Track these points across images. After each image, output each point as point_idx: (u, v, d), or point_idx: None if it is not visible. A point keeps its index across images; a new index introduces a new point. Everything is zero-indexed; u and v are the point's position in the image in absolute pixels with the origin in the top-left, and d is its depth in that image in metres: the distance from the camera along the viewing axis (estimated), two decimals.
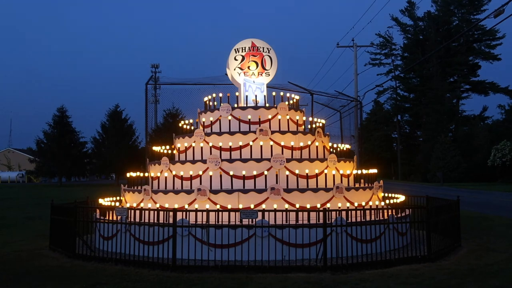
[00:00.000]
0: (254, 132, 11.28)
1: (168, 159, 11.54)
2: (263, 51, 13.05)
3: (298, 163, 10.81)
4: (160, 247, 8.81)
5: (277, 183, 10.39)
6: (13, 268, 8.92)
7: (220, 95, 12.69)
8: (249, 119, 11.78)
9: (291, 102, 13.28)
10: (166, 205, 10.06)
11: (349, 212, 9.21)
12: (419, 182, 53.41)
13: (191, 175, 10.79)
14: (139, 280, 7.91)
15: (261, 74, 12.98)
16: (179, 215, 8.87)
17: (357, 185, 11.81)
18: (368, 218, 9.55)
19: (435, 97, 58.05)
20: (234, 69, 12.98)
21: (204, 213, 8.94)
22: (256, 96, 12.68)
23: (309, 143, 11.75)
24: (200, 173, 10.67)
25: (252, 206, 9.64)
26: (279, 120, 11.90)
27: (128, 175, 12.29)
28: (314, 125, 12.62)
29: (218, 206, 9.70)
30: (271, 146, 11.14)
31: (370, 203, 10.74)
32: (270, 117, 11.94)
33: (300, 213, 9.21)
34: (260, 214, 8.70)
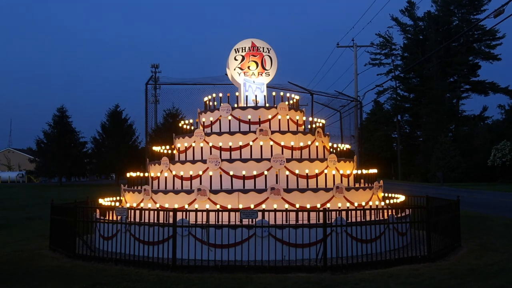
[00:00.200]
0: (254, 132, 11.28)
1: (168, 159, 11.54)
2: (263, 51, 13.05)
3: (298, 163, 10.82)
4: (160, 247, 8.81)
5: (277, 183, 10.39)
6: (13, 268, 8.92)
7: (220, 95, 12.69)
8: (249, 119, 11.78)
9: (291, 102, 13.28)
10: (166, 205, 10.06)
11: (349, 212, 9.21)
12: (419, 182, 53.42)
13: (191, 175, 10.79)
14: (139, 280, 7.91)
15: (261, 74, 12.98)
16: (179, 215, 8.87)
17: (357, 185, 11.81)
18: (368, 218, 9.55)
19: (435, 97, 58.09)
20: (234, 69, 12.98)
21: (204, 213, 8.94)
22: (256, 96, 12.69)
23: (309, 143, 11.75)
24: (200, 173, 10.68)
25: (252, 206, 9.64)
26: (279, 120, 11.90)
27: (128, 175, 12.29)
28: (314, 125, 12.62)
29: (218, 206, 9.70)
30: (271, 146, 11.14)
31: (370, 203, 10.74)
32: (270, 117, 11.94)
33: (300, 213, 9.21)
34: (260, 214, 8.70)
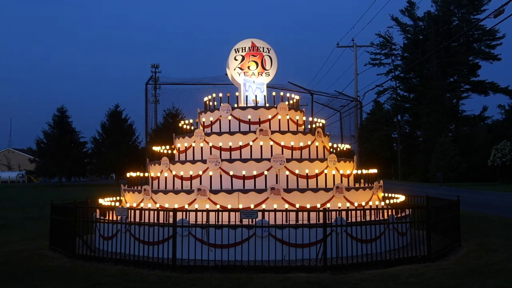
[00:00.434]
0: (254, 132, 11.28)
1: (168, 159, 11.54)
2: (263, 51, 13.05)
3: (298, 163, 10.82)
4: (160, 247, 8.81)
5: (277, 183, 10.39)
6: (13, 268, 8.93)
7: (220, 95, 12.69)
8: (249, 119, 11.78)
9: (291, 102, 13.28)
10: (166, 205, 10.06)
11: (349, 212, 9.21)
12: (419, 182, 53.42)
13: (191, 175, 10.79)
14: (139, 280, 7.91)
15: (261, 74, 12.98)
16: (179, 215, 8.87)
17: (357, 185, 11.81)
18: (368, 218, 9.55)
19: (435, 97, 58.10)
20: (234, 69, 12.98)
21: (204, 213, 8.94)
22: (256, 96, 12.69)
23: (309, 143, 11.75)
24: (200, 173, 10.68)
25: (252, 206, 9.64)
26: (279, 120, 11.90)
27: (128, 175, 12.29)
28: (314, 125, 12.62)
29: (218, 206, 9.70)
30: (271, 146, 11.14)
31: (370, 203, 10.74)
32: (270, 117, 11.94)
33: (300, 213, 9.21)
34: (260, 214, 8.70)
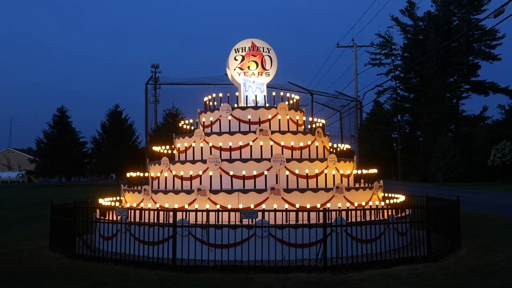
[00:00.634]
0: (254, 132, 11.28)
1: (168, 159, 11.54)
2: (263, 51, 13.05)
3: (298, 163, 10.82)
4: (160, 247, 8.81)
5: (277, 183, 10.39)
6: (13, 268, 8.93)
7: (220, 95, 12.69)
8: (249, 119, 11.78)
9: (291, 102, 13.28)
10: (166, 205, 10.06)
11: (349, 212, 9.21)
12: (419, 182, 53.42)
13: (191, 175, 10.79)
14: (139, 280, 7.91)
15: (261, 74, 12.99)
16: (179, 215, 8.87)
17: (357, 185, 11.81)
18: (368, 218, 9.55)
19: (435, 97, 58.09)
20: (234, 69, 12.98)
21: (204, 213, 8.94)
22: (256, 96, 12.69)
23: (309, 143, 11.75)
24: (200, 173, 10.68)
25: (252, 206, 9.64)
26: (279, 120, 11.90)
27: (128, 175, 12.29)
28: (314, 125, 12.62)
29: (218, 206, 9.70)
30: (271, 146, 11.14)
31: (370, 203, 10.74)
32: (270, 117, 11.94)
33: (300, 213, 9.21)
34: (260, 214, 8.70)
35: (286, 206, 9.74)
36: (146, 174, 12.09)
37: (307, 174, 10.65)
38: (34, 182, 72.23)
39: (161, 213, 9.33)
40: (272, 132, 11.35)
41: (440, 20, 63.45)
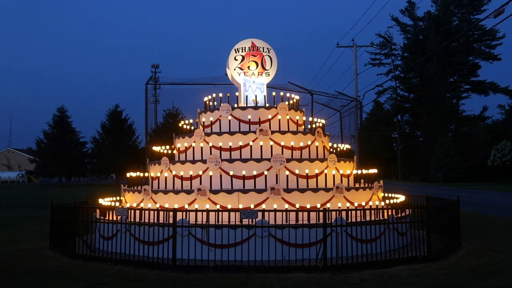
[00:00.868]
0: (254, 132, 11.28)
1: (168, 159, 11.54)
2: (263, 51, 13.06)
3: (298, 163, 10.82)
4: (160, 247, 8.81)
5: (277, 183, 10.39)
6: (13, 268, 8.92)
7: (220, 95, 12.69)
8: (249, 119, 11.78)
9: (291, 102, 13.28)
10: (166, 205, 10.06)
11: (349, 212, 9.21)
12: (419, 182, 53.41)
13: (191, 175, 10.79)
14: (139, 280, 7.91)
15: (261, 74, 12.99)
16: (179, 215, 8.87)
17: (357, 185, 11.81)
18: (368, 218, 9.55)
19: (435, 97, 58.06)
20: (234, 69, 12.98)
21: (204, 213, 8.94)
22: (256, 96, 12.69)
23: (309, 143, 11.75)
24: (200, 173, 10.68)
25: (252, 206, 9.64)
26: (279, 120, 11.90)
27: (128, 175, 12.29)
28: (314, 125, 12.62)
29: (218, 206, 9.70)
30: (271, 146, 11.14)
31: (370, 203, 10.74)
32: (270, 117, 11.94)
33: (300, 213, 9.22)
34: (260, 214, 8.70)
35: (286, 206, 9.74)
36: (146, 174, 12.10)
37: (307, 174, 10.65)
38: (34, 182, 72.22)
39: (161, 213, 9.33)
40: (272, 132, 11.35)
41: (440, 20, 63.46)
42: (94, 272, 8.49)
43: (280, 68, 13.22)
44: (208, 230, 8.81)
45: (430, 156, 52.36)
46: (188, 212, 9.00)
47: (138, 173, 12.13)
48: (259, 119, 11.72)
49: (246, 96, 12.64)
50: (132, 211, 9.67)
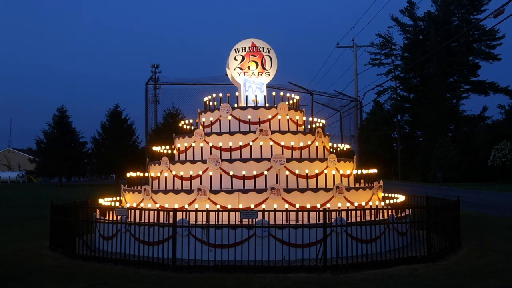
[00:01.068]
0: (254, 132, 11.28)
1: (168, 159, 11.54)
2: (263, 51, 13.05)
3: (298, 163, 10.82)
4: (160, 247, 8.81)
5: (277, 183, 10.39)
6: (13, 268, 8.92)
7: (220, 95, 12.69)
8: (249, 119, 11.78)
9: (291, 102, 13.28)
10: (166, 205, 10.06)
11: (349, 212, 9.21)
12: (419, 182, 53.42)
13: (191, 175, 10.79)
14: (139, 280, 7.91)
15: (261, 74, 12.99)
16: (179, 215, 8.87)
17: (357, 185, 11.81)
18: (368, 218, 9.55)
19: (435, 97, 58.04)
20: (234, 69, 12.98)
21: (204, 213, 8.94)
22: (256, 96, 12.69)
23: (309, 143, 11.75)
24: (200, 173, 10.68)
25: (252, 206, 9.64)
26: (279, 120, 11.90)
27: (128, 175, 12.29)
28: (314, 125, 12.62)
29: (218, 206, 9.70)
30: (271, 146, 11.14)
31: (370, 203, 10.74)
32: (270, 117, 11.94)
33: (300, 213, 9.21)
34: (260, 214, 8.70)
35: (286, 206, 9.74)
36: (146, 174, 12.10)
37: (307, 174, 10.65)
38: (34, 182, 72.21)
39: (161, 213, 9.33)
40: (272, 132, 11.35)
41: (440, 20, 63.45)
42: (94, 272, 8.49)
43: (280, 68, 13.24)
44: (208, 230, 8.81)
45: (430, 156, 52.35)
46: (188, 212, 9.00)
47: (138, 173, 12.13)
48: (259, 119, 11.72)
49: (246, 96, 12.64)
50: (132, 211, 9.67)
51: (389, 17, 67.15)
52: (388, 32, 68.09)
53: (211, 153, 11.14)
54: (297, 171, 10.58)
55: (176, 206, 9.65)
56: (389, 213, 10.12)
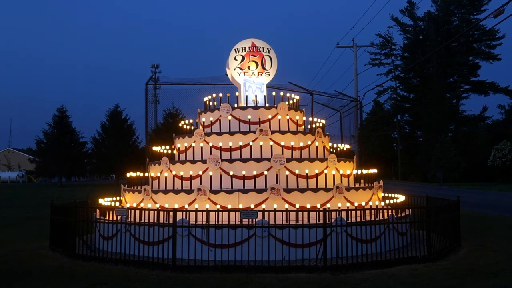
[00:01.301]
0: (254, 132, 11.28)
1: (168, 159, 11.54)
2: (263, 51, 13.05)
3: (298, 163, 10.81)
4: (160, 247, 8.81)
5: (277, 183, 10.39)
6: (13, 268, 8.92)
7: (220, 95, 12.69)
8: (249, 119, 11.78)
9: (291, 102, 13.28)
10: (166, 205, 10.06)
11: (349, 212, 9.21)
12: (419, 182, 53.40)
13: (191, 175, 10.79)
14: (139, 280, 7.91)
15: (261, 74, 12.98)
16: (179, 215, 8.87)
17: (357, 185, 11.81)
18: (368, 218, 9.55)
19: (435, 97, 58.04)
20: (234, 69, 12.98)
21: (204, 213, 8.94)
22: (256, 96, 12.68)
23: (309, 143, 11.75)
24: (200, 173, 10.68)
25: (252, 206, 9.64)
26: (279, 120, 11.90)
27: (128, 175, 12.29)
28: (314, 125, 12.62)
29: (218, 206, 9.70)
30: (271, 146, 11.14)
31: (370, 203, 10.74)
32: (270, 117, 11.94)
33: (300, 213, 9.21)
34: (260, 214, 8.70)
35: (286, 206, 9.74)
36: (146, 174, 12.09)
37: (307, 174, 10.65)
38: (34, 182, 72.18)
39: (161, 213, 9.33)
40: (272, 132, 11.35)
41: (440, 20, 63.45)
42: (94, 272, 8.49)
43: (280, 68, 13.24)
44: (208, 230, 8.81)
45: (430, 156, 52.34)
46: (188, 212, 9.00)
47: (138, 173, 12.13)
48: (259, 119, 11.72)
49: (246, 96, 12.64)
50: (132, 211, 9.67)
51: (389, 17, 67.23)
52: (388, 32, 68.16)
53: (211, 153, 11.14)
54: (297, 171, 10.58)
55: (176, 206, 9.65)
56: (389, 213, 10.12)
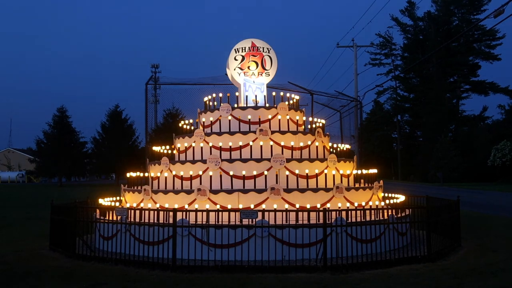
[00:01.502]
0: (254, 132, 11.28)
1: (168, 159, 11.54)
2: (263, 51, 13.05)
3: (298, 163, 10.81)
4: (160, 247, 8.81)
5: (277, 183, 10.39)
6: (13, 268, 8.92)
7: (220, 95, 12.69)
8: (249, 119, 11.78)
9: (291, 102, 13.28)
10: (166, 205, 10.06)
11: (349, 212, 9.21)
12: (419, 182, 53.40)
13: (191, 175, 10.79)
14: (139, 280, 7.91)
15: (261, 74, 12.98)
16: (179, 215, 8.87)
17: (357, 185, 11.81)
18: (368, 218, 9.55)
19: (435, 97, 58.04)
20: (234, 69, 12.97)
21: (204, 213, 8.94)
22: (256, 96, 12.68)
23: (309, 143, 11.75)
24: (200, 173, 10.68)
25: (252, 206, 9.64)
26: (279, 120, 11.90)
27: (128, 175, 12.29)
28: (314, 125, 12.62)
29: (218, 206, 9.70)
30: (271, 146, 11.14)
31: (370, 203, 10.74)
32: (270, 117, 11.94)
33: (300, 213, 9.21)
34: (260, 214, 8.70)
35: (286, 206, 9.74)
36: (146, 174, 12.09)
37: (307, 174, 10.65)
38: (34, 182, 72.17)
39: (161, 213, 9.33)
40: (272, 132, 11.34)
41: (440, 20, 63.43)
42: (94, 272, 8.49)
43: (280, 68, 13.23)
44: (208, 230, 8.81)
45: (430, 156, 52.33)
46: (188, 212, 9.00)
47: (138, 173, 12.13)
48: (259, 119, 11.72)
49: (246, 96, 12.64)
50: (132, 211, 9.67)
51: (389, 17, 67.22)
52: (388, 32, 68.16)
53: (211, 153, 11.14)
54: (297, 171, 10.58)
55: (176, 206, 9.65)
56: (389, 213, 10.12)
